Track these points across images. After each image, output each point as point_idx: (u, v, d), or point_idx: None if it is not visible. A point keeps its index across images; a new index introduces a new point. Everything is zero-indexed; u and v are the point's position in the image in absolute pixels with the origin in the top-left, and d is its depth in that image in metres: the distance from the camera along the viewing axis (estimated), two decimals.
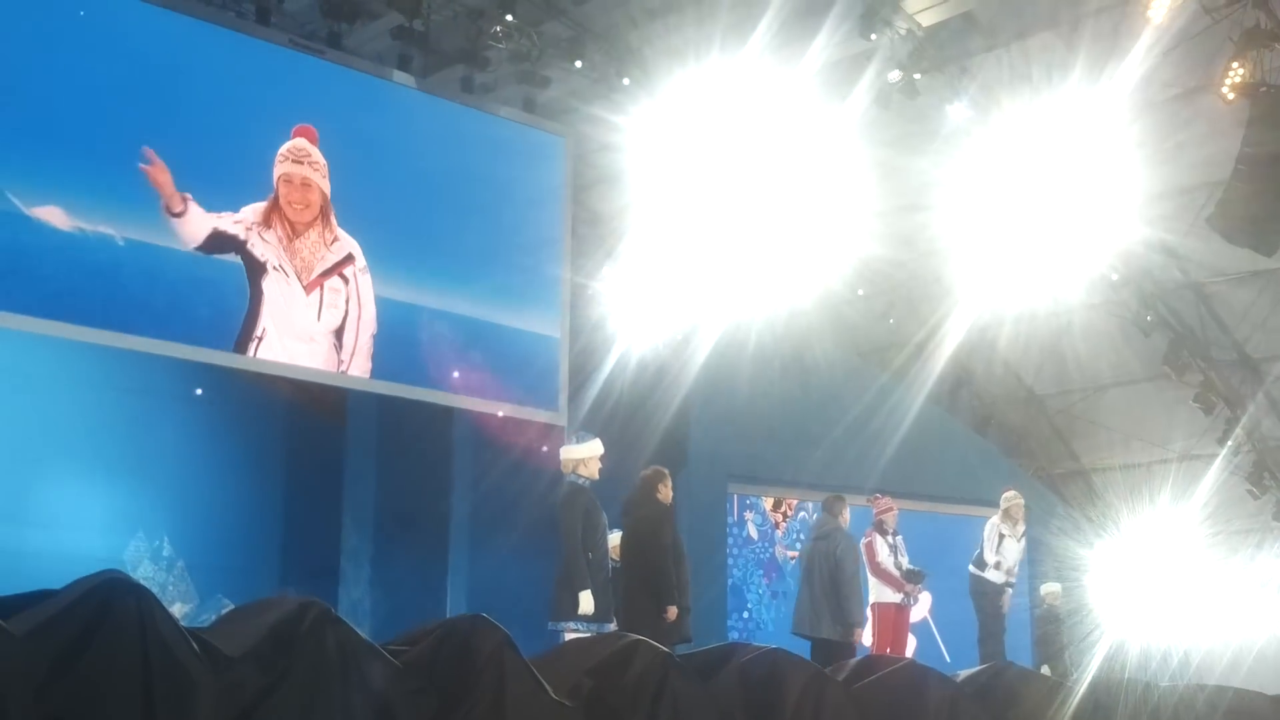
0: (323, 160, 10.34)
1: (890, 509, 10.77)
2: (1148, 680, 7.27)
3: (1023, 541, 11.60)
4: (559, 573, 8.21)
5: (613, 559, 8.68)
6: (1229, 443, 15.12)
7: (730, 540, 14.44)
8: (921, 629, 13.93)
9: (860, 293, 15.25)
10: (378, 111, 10.85)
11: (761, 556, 14.75)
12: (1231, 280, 14.25)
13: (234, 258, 9.87)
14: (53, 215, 9.03)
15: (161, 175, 9.47)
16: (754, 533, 14.77)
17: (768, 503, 14.89)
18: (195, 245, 9.67)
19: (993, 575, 11.27)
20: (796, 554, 14.22)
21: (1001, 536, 11.32)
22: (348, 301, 10.43)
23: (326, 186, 10.38)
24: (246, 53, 10.20)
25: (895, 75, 11.87)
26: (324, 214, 10.38)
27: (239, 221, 9.91)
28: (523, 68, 11.81)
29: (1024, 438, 17.15)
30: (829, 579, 9.77)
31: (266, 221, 10.05)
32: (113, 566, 3.80)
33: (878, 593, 10.43)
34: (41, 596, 3.55)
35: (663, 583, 8.34)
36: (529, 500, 10.99)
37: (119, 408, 11.01)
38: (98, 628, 3.45)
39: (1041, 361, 15.82)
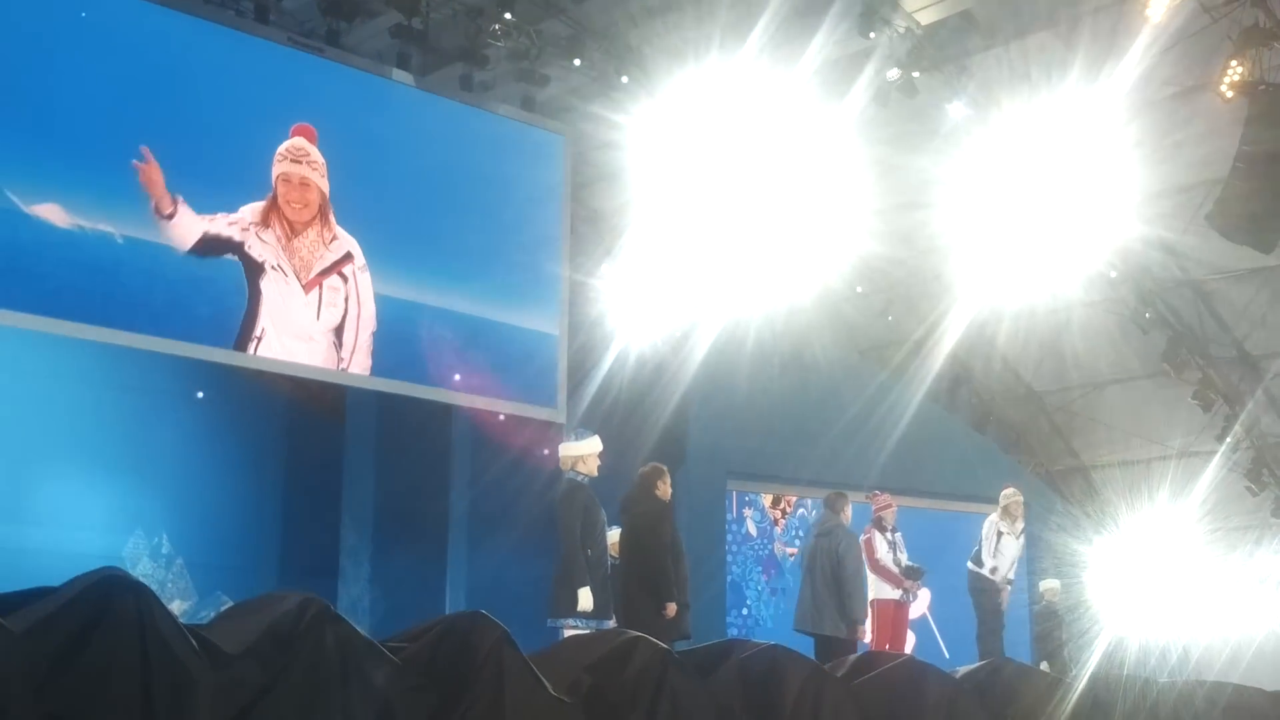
0: (321, 159, 10.34)
1: (889, 506, 10.80)
2: (1147, 676, 7.28)
3: (1022, 538, 11.59)
4: (558, 570, 8.22)
5: (612, 556, 8.69)
6: (1228, 439, 15.14)
7: (729, 537, 14.43)
8: (920, 625, 13.93)
9: (859, 290, 15.26)
10: (377, 110, 10.85)
11: (760, 553, 14.75)
12: (1230, 277, 14.25)
13: (231, 258, 9.86)
14: (52, 213, 9.03)
15: (153, 174, 9.44)
16: (753, 529, 14.77)
17: (767, 500, 14.89)
18: (186, 248, 9.62)
19: (990, 566, 11.26)
20: (796, 551, 14.23)
21: (1000, 534, 11.32)
22: (347, 300, 10.43)
23: (325, 185, 10.37)
24: (245, 51, 10.19)
25: (894, 73, 11.88)
26: (323, 213, 10.37)
27: (235, 222, 9.88)
28: (522, 66, 11.82)
29: (1023, 435, 17.15)
30: (831, 576, 9.77)
31: (265, 221, 10.04)
32: (111, 564, 3.80)
33: (877, 589, 10.44)
34: (40, 594, 3.55)
35: (662, 579, 8.34)
36: (528, 497, 11.01)
37: (118, 405, 10.99)
38: (97, 625, 3.44)
39: (1041, 358, 15.82)
